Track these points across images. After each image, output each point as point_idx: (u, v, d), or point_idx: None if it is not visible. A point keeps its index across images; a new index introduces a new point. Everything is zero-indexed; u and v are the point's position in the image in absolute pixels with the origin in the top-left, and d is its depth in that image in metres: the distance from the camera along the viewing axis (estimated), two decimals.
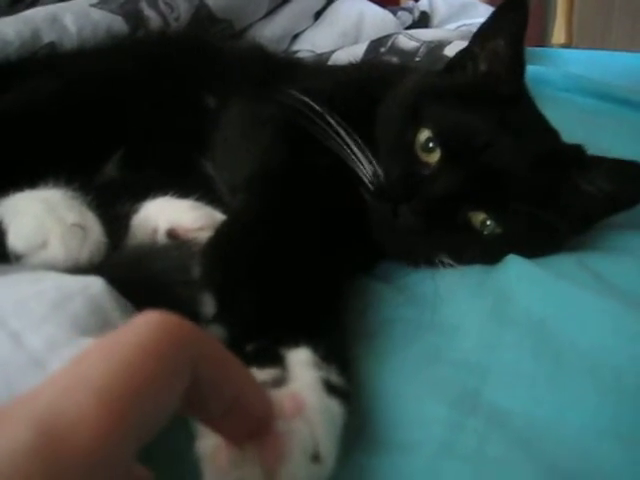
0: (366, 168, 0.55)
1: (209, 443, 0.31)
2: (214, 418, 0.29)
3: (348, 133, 0.55)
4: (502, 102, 0.56)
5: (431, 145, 0.55)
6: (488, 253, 0.55)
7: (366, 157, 0.55)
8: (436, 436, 0.37)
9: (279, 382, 0.35)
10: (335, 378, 0.37)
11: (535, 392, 0.39)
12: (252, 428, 0.31)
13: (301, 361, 0.37)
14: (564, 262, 0.53)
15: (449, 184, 0.53)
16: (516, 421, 0.37)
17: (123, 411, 0.23)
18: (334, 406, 0.35)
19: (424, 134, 0.55)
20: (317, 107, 0.56)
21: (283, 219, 0.48)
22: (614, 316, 0.43)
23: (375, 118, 0.59)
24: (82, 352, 0.25)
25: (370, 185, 0.55)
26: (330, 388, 0.36)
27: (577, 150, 0.58)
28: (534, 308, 0.46)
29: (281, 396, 0.33)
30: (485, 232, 0.54)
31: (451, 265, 0.54)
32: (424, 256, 0.55)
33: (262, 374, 0.35)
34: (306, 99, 0.58)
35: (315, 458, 0.32)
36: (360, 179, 0.55)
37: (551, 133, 0.60)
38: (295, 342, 0.38)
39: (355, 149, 0.55)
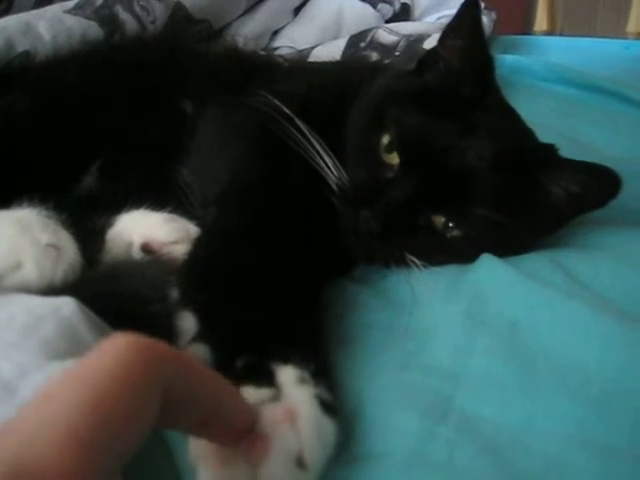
0: (334, 173, 0.56)
1: (201, 444, 0.32)
2: (191, 429, 0.29)
3: (316, 138, 0.55)
4: (468, 103, 0.56)
5: (393, 148, 0.55)
6: (455, 254, 0.55)
7: (333, 162, 0.55)
8: (407, 445, 0.37)
9: (276, 400, 0.36)
10: (327, 395, 0.37)
11: (505, 398, 0.40)
12: (238, 433, 0.31)
13: (295, 378, 0.37)
14: (537, 261, 0.53)
15: (407, 189, 0.53)
16: (486, 428, 0.38)
17: (95, 448, 0.23)
18: (328, 424, 0.36)
19: (386, 138, 0.55)
20: (288, 112, 0.56)
21: (258, 232, 0.48)
22: (584, 320, 0.43)
23: (345, 122, 0.59)
24: (53, 384, 0.25)
25: (337, 190, 0.55)
26: (324, 406, 0.36)
27: (546, 150, 0.58)
28: (506, 312, 0.46)
29: (275, 408, 0.34)
30: (447, 235, 0.54)
31: (425, 266, 0.54)
32: (391, 259, 0.55)
33: (258, 393, 0.36)
34: (278, 103, 0.58)
35: (299, 463, 0.33)
36: (329, 184, 0.56)
37: (521, 132, 0.60)
38: (284, 357, 0.38)
39: (323, 154, 0.55)
